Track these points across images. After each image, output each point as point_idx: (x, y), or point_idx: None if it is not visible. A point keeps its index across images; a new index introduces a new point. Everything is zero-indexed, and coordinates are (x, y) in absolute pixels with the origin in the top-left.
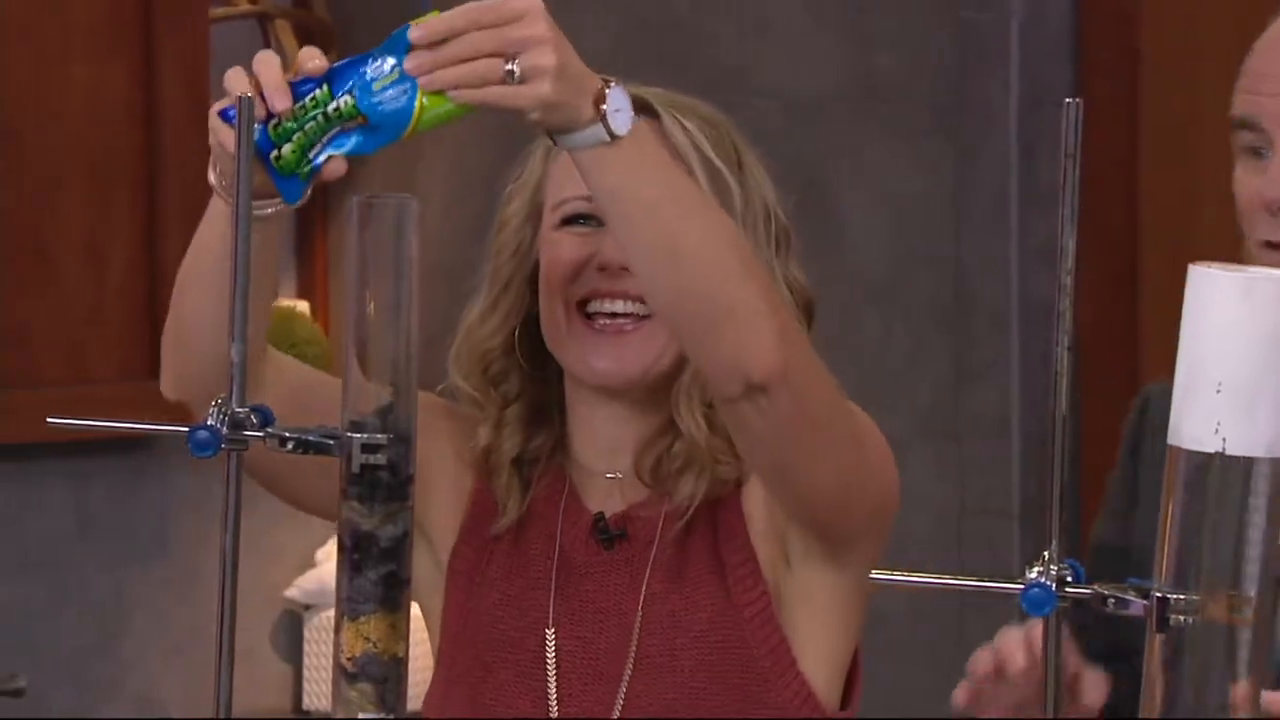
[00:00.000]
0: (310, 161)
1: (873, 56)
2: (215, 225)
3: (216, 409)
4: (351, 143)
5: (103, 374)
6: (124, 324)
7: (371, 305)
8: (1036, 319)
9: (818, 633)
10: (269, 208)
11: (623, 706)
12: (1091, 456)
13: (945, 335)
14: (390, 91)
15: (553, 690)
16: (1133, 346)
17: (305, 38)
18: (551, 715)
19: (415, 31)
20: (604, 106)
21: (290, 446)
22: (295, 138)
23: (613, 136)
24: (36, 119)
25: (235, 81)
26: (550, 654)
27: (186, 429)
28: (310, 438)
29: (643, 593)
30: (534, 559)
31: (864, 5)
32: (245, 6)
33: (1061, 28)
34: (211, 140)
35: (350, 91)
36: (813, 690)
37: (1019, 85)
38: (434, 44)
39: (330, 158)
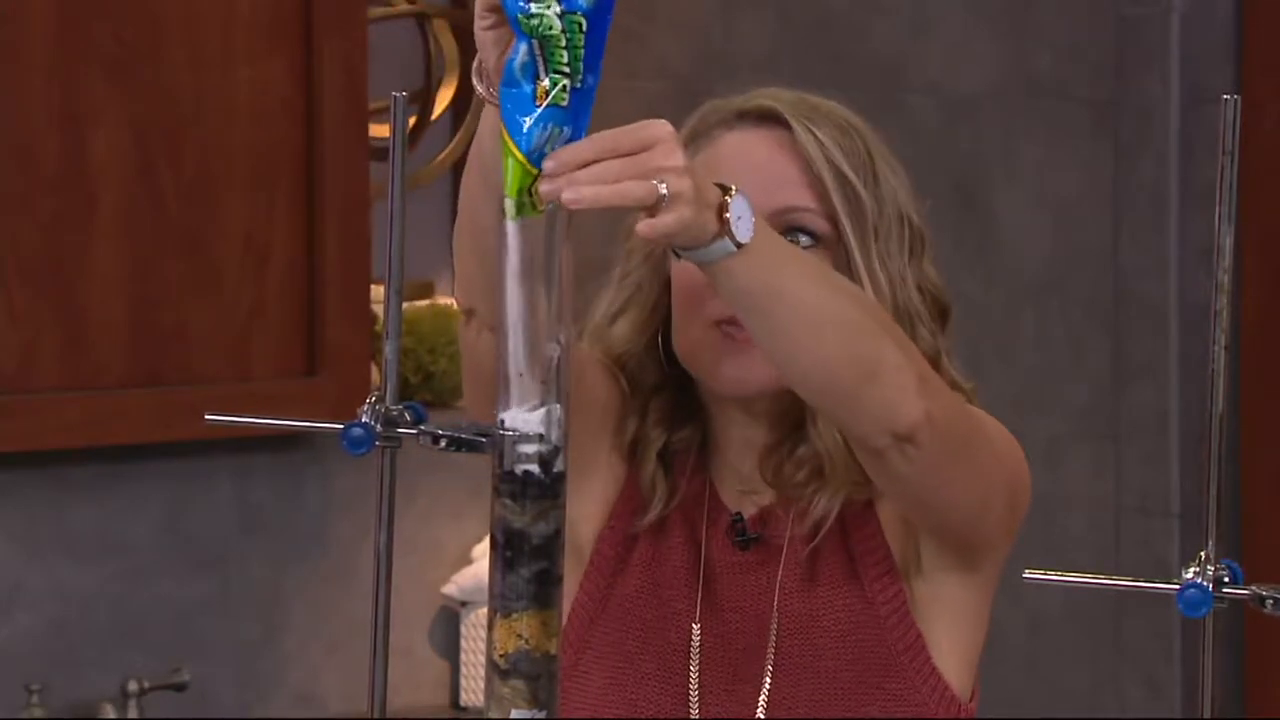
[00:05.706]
0: (524, 42)
1: (1031, 53)
2: (485, 125)
3: (370, 406)
4: (519, 83)
5: (262, 372)
6: (284, 322)
7: (525, 306)
8: (1196, 318)
9: (949, 630)
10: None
11: (766, 706)
12: (1252, 456)
13: (1104, 335)
14: (539, 138)
15: (694, 685)
16: None
17: (463, 37)
18: (692, 709)
19: (550, 163)
20: (727, 215)
21: (443, 445)
22: (550, 27)
23: (738, 246)
24: (197, 118)
25: None
26: (694, 648)
27: (341, 426)
28: (463, 435)
29: (777, 593)
30: (675, 550)
31: (1023, 2)
32: (404, 6)
33: (1224, 24)
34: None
35: (569, 95)
36: (949, 685)
37: (1179, 83)
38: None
39: (518, 49)
